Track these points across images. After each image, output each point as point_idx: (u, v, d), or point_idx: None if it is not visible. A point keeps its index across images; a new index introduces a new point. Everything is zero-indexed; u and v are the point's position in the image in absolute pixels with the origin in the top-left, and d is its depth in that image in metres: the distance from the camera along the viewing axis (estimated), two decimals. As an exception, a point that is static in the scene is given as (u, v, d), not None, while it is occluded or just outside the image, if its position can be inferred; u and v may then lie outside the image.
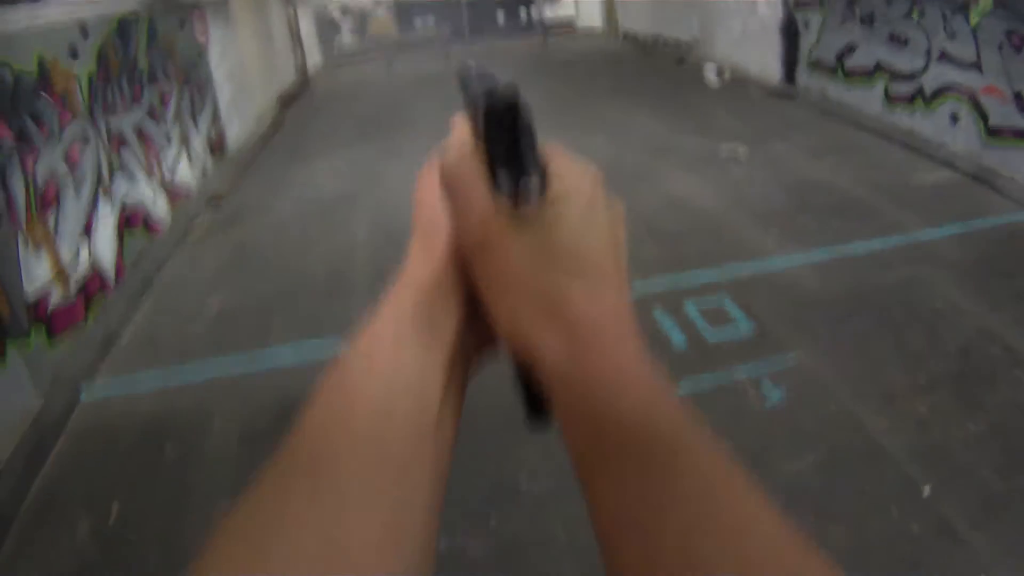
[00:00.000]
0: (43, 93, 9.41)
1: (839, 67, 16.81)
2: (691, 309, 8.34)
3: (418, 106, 22.42)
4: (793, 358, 7.36)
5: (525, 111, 0.73)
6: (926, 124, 13.83)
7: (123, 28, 12.40)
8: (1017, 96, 11.46)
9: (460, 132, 0.82)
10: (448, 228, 0.77)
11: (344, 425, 0.67)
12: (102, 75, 11.26)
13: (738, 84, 21.20)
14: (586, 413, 0.66)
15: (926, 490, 5.55)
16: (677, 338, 7.88)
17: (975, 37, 12.22)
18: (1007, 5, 11.41)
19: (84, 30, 10.94)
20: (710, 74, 22.12)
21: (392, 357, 0.72)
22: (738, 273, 9.19)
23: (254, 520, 0.62)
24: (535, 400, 0.73)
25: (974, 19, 12.16)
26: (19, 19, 9.14)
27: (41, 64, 9.51)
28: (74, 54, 10.46)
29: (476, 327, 0.77)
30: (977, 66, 12.28)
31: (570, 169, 0.77)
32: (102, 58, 11.37)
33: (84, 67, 10.74)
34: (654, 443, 0.62)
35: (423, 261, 0.78)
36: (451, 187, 0.76)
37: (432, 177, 0.82)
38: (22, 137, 8.69)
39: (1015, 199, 11.17)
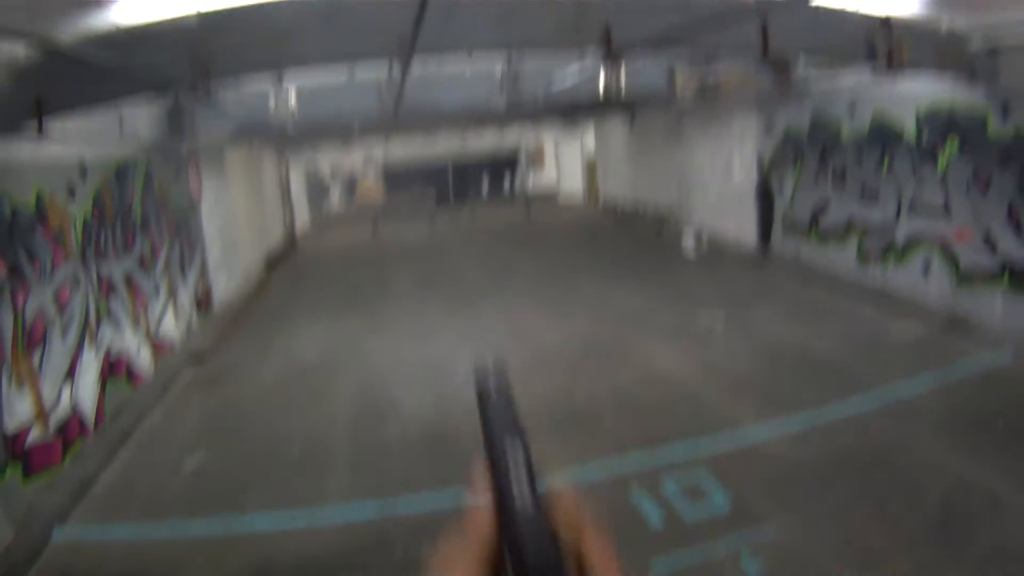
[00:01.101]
0: (39, 230, 9.37)
1: (813, 227, 17.26)
2: (668, 486, 8.15)
3: (402, 275, 22.68)
4: (772, 530, 7.21)
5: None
6: (899, 276, 14.14)
7: (121, 172, 12.68)
8: (986, 236, 11.78)
9: (481, 532, 0.80)
10: None
11: None
12: (97, 218, 11.44)
13: (715, 250, 21.65)
14: None
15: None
16: (654, 517, 7.66)
17: (943, 183, 12.64)
18: (972, 147, 11.86)
19: (83, 170, 11.18)
20: (688, 242, 22.60)
21: None
22: (715, 446, 9.05)
23: None
24: None
25: (941, 164, 12.57)
26: (22, 152, 9.31)
27: (39, 200, 9.70)
28: (72, 193, 10.65)
29: None
30: (946, 210, 12.66)
31: None
32: (98, 201, 11.59)
33: (80, 208, 10.95)
34: None
35: None
36: None
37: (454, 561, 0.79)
38: (15, 271, 8.80)
39: (988, 342, 11.31)
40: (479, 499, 0.83)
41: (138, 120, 13.13)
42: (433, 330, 15.58)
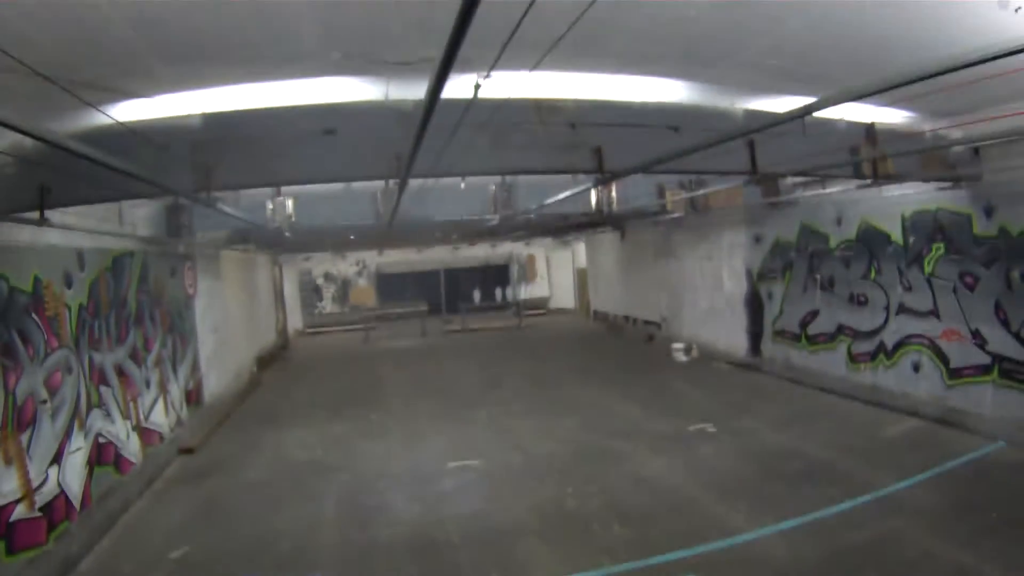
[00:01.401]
0: (34, 314, 9.63)
1: (803, 334, 17.46)
2: None
3: (393, 383, 22.63)
4: None
5: None
6: (889, 377, 14.30)
7: (118, 265, 12.87)
8: (975, 333, 11.97)
9: None
10: None
11: None
12: (92, 307, 11.58)
13: (706, 359, 21.78)
14: None
15: None
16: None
17: (930, 285, 12.91)
18: (958, 248, 12.16)
19: (81, 260, 11.36)
20: (678, 352, 22.73)
21: None
22: (708, 552, 8.95)
23: None
24: None
25: (928, 268, 12.86)
26: (23, 236, 9.51)
27: (36, 284, 9.81)
28: (68, 281, 10.80)
29: None
30: (935, 313, 12.89)
31: None
32: (94, 291, 11.73)
33: (76, 297, 11.07)
34: None
35: None
36: None
37: None
38: (8, 352, 8.87)
39: (981, 433, 11.42)
40: None
41: (137, 215, 13.43)
42: (423, 437, 15.53)
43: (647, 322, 27.90)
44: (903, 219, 13.42)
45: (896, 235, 13.63)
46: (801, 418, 14.31)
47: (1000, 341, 11.47)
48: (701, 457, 12.65)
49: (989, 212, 11.49)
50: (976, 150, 11.25)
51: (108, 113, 7.48)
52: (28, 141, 6.79)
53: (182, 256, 16.62)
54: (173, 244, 15.38)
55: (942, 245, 12.51)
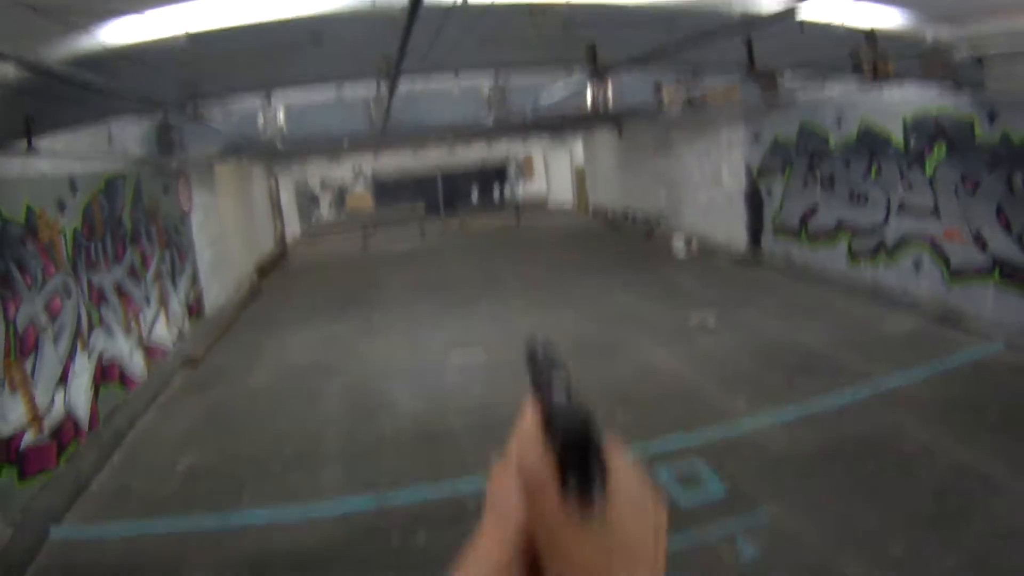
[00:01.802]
0: (29, 242, 9.58)
1: (803, 230, 17.35)
2: (662, 474, 8.20)
3: (391, 285, 22.68)
4: (766, 515, 7.29)
5: (597, 438, 0.80)
6: (890, 275, 14.26)
7: (110, 187, 12.75)
8: (976, 235, 11.90)
9: (531, 430, 0.88)
10: (520, 514, 0.86)
11: None
12: (87, 231, 11.50)
13: (706, 253, 21.76)
14: None
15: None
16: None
17: (932, 186, 12.77)
18: (960, 151, 11.99)
19: (73, 185, 11.24)
20: (678, 247, 22.68)
21: None
22: (709, 437, 9.14)
23: None
24: None
25: (929, 169, 12.70)
26: (12, 167, 9.39)
27: (29, 214, 9.72)
28: (61, 208, 10.70)
29: None
30: (936, 213, 12.78)
31: (627, 482, 0.85)
32: (88, 215, 11.64)
33: (70, 222, 10.98)
34: None
35: (495, 543, 0.87)
36: (526, 484, 0.84)
37: (508, 468, 0.89)
38: (5, 283, 8.83)
39: (981, 334, 11.45)
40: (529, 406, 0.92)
41: (127, 136, 13.25)
42: (425, 333, 15.72)
43: (646, 218, 27.78)
44: (904, 121, 13.20)
45: (897, 137, 13.43)
46: (801, 311, 14.40)
47: (1001, 244, 11.39)
48: (702, 347, 12.81)
49: (992, 118, 11.29)
50: (979, 59, 11.06)
51: (91, 36, 7.36)
52: (11, 72, 6.68)
53: (175, 173, 16.47)
54: (165, 162, 15.22)
55: (943, 148, 12.31)
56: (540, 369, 0.94)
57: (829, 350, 11.91)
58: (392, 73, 8.56)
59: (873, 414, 9.32)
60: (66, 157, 10.65)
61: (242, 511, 8.37)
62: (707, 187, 22.39)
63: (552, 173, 41.98)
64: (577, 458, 0.79)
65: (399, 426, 10.54)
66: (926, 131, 12.72)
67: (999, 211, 11.37)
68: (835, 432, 8.95)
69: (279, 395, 12.49)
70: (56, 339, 9.90)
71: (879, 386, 10.14)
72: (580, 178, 37.68)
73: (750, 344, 12.74)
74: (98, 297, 11.54)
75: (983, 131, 11.49)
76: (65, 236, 10.72)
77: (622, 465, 0.85)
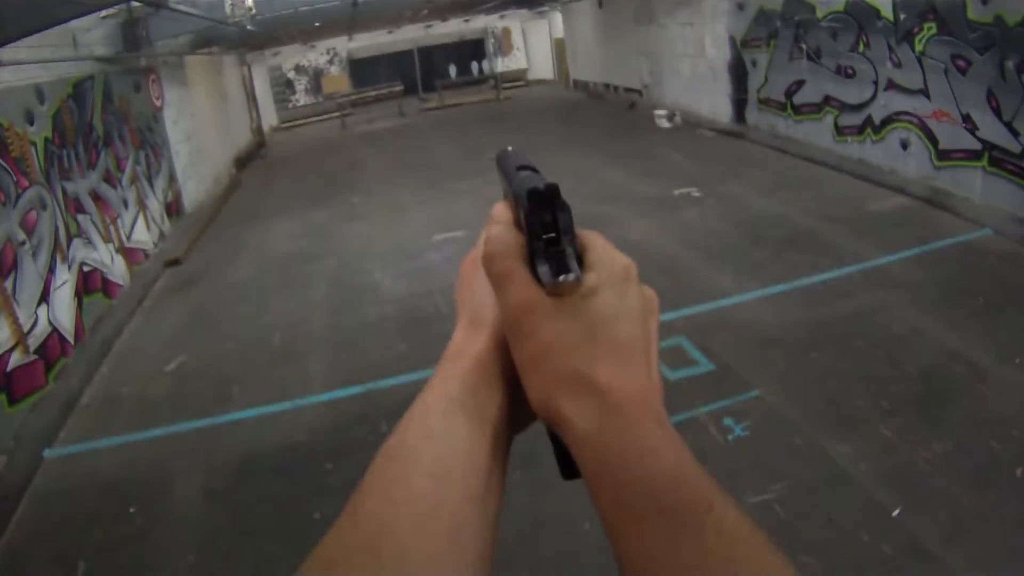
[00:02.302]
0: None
1: (788, 103, 17.09)
2: None
3: (373, 165, 22.58)
4: (754, 394, 7.32)
5: (564, 208, 0.77)
6: (876, 152, 14.08)
7: (78, 92, 12.40)
8: (966, 118, 11.68)
9: (501, 219, 0.85)
10: (493, 310, 0.83)
11: (403, 490, 0.71)
12: (58, 140, 11.24)
13: (689, 126, 21.51)
14: (615, 481, 0.70)
15: (896, 513, 5.56)
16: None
17: (921, 64, 12.47)
18: (951, 31, 11.67)
19: (40, 94, 10.93)
20: (661, 119, 22.41)
21: (444, 426, 0.76)
22: (696, 314, 9.14)
23: None
24: (568, 460, 0.77)
25: (919, 46, 12.41)
26: None
27: None
28: (30, 119, 10.43)
29: (520, 400, 0.80)
30: (924, 92, 12.52)
31: (606, 259, 0.80)
32: (58, 123, 11.36)
33: (40, 132, 10.71)
34: (682, 507, 0.66)
35: (470, 340, 0.84)
36: (493, 273, 0.80)
37: (476, 262, 0.86)
38: None
39: (969, 218, 11.32)
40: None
41: (93, 37, 12.89)
42: (407, 214, 15.76)
43: (628, 90, 27.45)
44: None
45: (886, 10, 13.01)
46: (787, 186, 14.27)
47: (992, 128, 11.14)
48: (687, 221, 12.78)
49: None
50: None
51: None
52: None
53: (145, 70, 16.07)
54: (134, 59, 14.88)
55: (934, 25, 11.91)
56: (508, 167, 0.91)
57: (816, 226, 11.85)
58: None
59: (861, 293, 9.30)
60: (30, 65, 10.38)
61: (231, 409, 8.46)
62: (690, 59, 21.94)
63: (531, 46, 41.42)
64: (545, 222, 0.77)
65: (384, 311, 10.62)
66: (916, 6, 12.33)
67: (990, 94, 11.09)
68: (823, 310, 8.96)
69: (263, 287, 12.50)
70: (35, 254, 9.76)
71: (867, 265, 10.10)
72: (560, 50, 37.14)
73: (735, 218, 12.69)
74: (74, 206, 11.36)
75: (975, 10, 11.11)
76: (36, 147, 10.46)
77: (602, 246, 0.83)
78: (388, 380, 8.49)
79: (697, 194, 14.28)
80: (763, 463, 6.28)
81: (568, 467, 0.77)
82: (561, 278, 0.74)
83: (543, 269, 0.76)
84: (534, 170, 0.87)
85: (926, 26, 12.18)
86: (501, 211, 0.87)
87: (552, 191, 0.77)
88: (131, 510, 6.86)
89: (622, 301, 0.78)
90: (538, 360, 0.75)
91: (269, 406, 8.39)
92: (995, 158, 11.24)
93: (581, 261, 0.78)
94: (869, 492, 5.80)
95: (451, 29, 37.56)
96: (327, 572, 0.66)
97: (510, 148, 0.96)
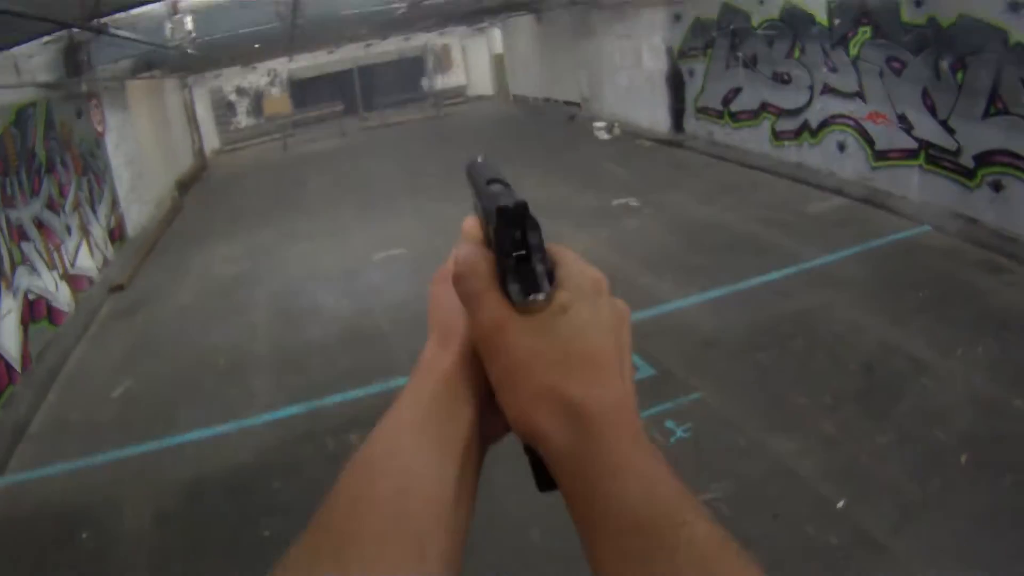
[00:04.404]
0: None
1: (725, 111, 17.39)
2: None
3: (315, 185, 22.58)
4: (696, 397, 7.42)
5: (535, 225, 0.77)
6: (814, 155, 14.37)
7: (20, 118, 12.25)
8: (901, 118, 11.96)
9: (471, 235, 0.86)
10: (463, 326, 0.82)
11: (368, 503, 0.72)
12: (1, 167, 11.13)
13: (628, 137, 21.76)
14: (591, 496, 0.71)
15: (841, 504, 5.66)
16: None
17: (856, 68, 12.76)
18: (885, 33, 11.95)
19: (-19, 120, 10.84)
20: (600, 130, 22.66)
21: (412, 440, 0.77)
22: (636, 320, 9.10)
23: None
24: (544, 472, 0.77)
25: (853, 50, 12.68)
26: None
27: None
28: (-28, 146, 10.36)
29: (491, 413, 0.81)
30: (860, 95, 12.81)
31: (575, 274, 0.80)
32: (0, 149, 11.27)
33: (-18, 159, 10.60)
34: (656, 523, 0.67)
35: (439, 355, 0.84)
36: (464, 290, 0.80)
37: (446, 278, 0.84)
38: None
39: (907, 215, 11.59)
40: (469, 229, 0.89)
41: (35, 63, 12.83)
42: (349, 233, 15.80)
43: (567, 103, 27.62)
44: (828, 1, 13.09)
45: (820, 15, 13.33)
46: (725, 192, 14.50)
47: (927, 127, 11.43)
48: (626, 230, 12.96)
49: (919, 0, 11.21)
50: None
51: None
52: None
53: (86, 95, 15.97)
54: (75, 84, 14.79)
55: (868, 29, 12.24)
56: (478, 180, 0.90)
57: (755, 230, 12.06)
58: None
59: (801, 294, 9.50)
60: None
61: (178, 432, 8.43)
62: (628, 70, 22.17)
63: (471, 63, 41.47)
64: (515, 239, 0.77)
65: (327, 330, 10.67)
66: (850, 11, 12.63)
67: (925, 94, 11.38)
68: (764, 312, 9.11)
69: (207, 311, 12.46)
70: (-21, 284, 9.68)
71: (806, 266, 10.31)
72: (499, 67, 37.27)
73: (674, 226, 12.88)
74: (18, 233, 11.24)
75: (909, 13, 11.41)
76: (-22, 175, 10.39)
77: (572, 261, 0.82)
78: (333, 398, 8.53)
79: (636, 204, 14.46)
80: (706, 463, 6.37)
81: (544, 479, 0.78)
82: (531, 297, 0.75)
83: (514, 288, 0.75)
84: (504, 184, 0.87)
85: (860, 30, 12.47)
86: (471, 227, 0.88)
87: (521, 209, 0.76)
88: (83, 536, 6.81)
89: (594, 315, 0.78)
90: (512, 377, 0.75)
91: (216, 427, 8.38)
92: (932, 156, 11.52)
93: (552, 277, 0.78)
94: (814, 486, 5.92)
95: (391, 47, 37.53)
96: None
97: (479, 159, 0.96)
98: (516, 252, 0.76)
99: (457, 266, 0.82)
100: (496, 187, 0.86)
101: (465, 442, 0.80)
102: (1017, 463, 5.85)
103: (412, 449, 0.77)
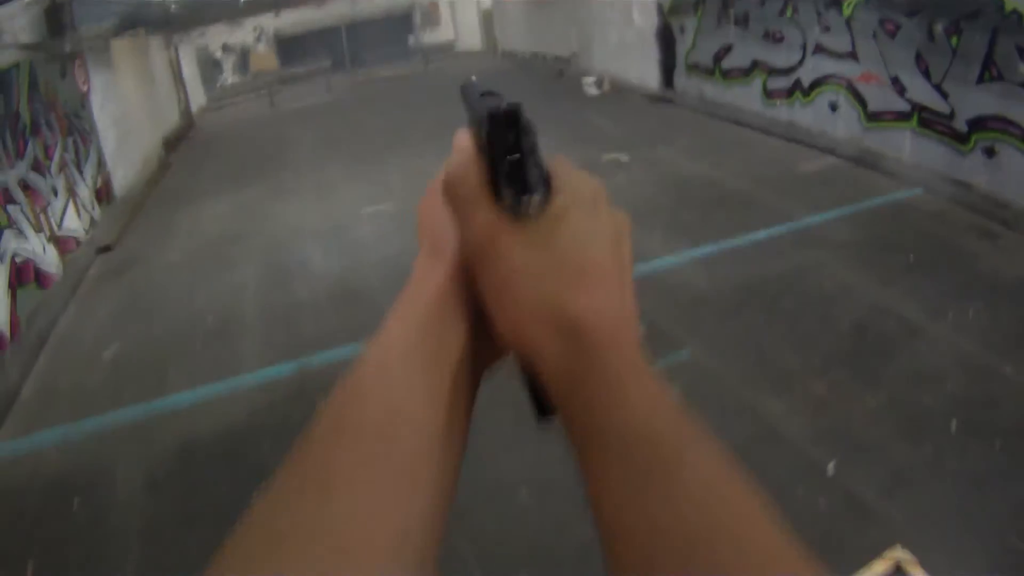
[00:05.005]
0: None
1: (716, 68, 17.28)
2: None
3: (302, 141, 22.44)
4: (686, 355, 7.43)
5: (528, 128, 0.73)
6: (806, 115, 14.30)
7: (3, 80, 12.09)
8: (895, 80, 11.89)
9: (463, 146, 0.81)
10: (454, 241, 0.78)
11: (355, 427, 0.69)
12: None
13: (618, 93, 21.69)
14: (588, 417, 0.68)
15: (830, 468, 5.69)
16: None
17: (849, 28, 12.67)
18: None
19: (-36, 84, 10.73)
20: (589, 86, 22.54)
21: (401, 364, 0.73)
22: None
23: (267, 527, 0.63)
24: (542, 400, 0.74)
25: (847, 10, 12.58)
26: None
27: None
28: (-45, 109, 10.26)
29: (484, 336, 0.77)
30: (853, 55, 12.73)
31: (573, 182, 0.77)
32: None
33: (-34, 122, 10.50)
34: (657, 446, 0.65)
35: (430, 274, 0.79)
36: (455, 200, 0.76)
37: (436, 192, 0.81)
38: None
39: (899, 177, 11.57)
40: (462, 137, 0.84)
41: (16, 25, 12.69)
42: (336, 189, 15.80)
43: (557, 58, 27.47)
44: None
45: None
46: (715, 149, 14.47)
47: (920, 90, 11.37)
48: (616, 186, 12.64)
49: None
50: None
51: None
52: None
53: (70, 55, 15.80)
54: (59, 44, 14.66)
55: None
56: (471, 95, 0.88)
57: (745, 187, 12.04)
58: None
59: (791, 253, 9.49)
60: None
61: (168, 395, 8.41)
62: (618, 26, 22.02)
63: (459, 17, 41.23)
64: (508, 144, 0.73)
65: (315, 287, 10.67)
66: None
67: (918, 57, 11.31)
68: (754, 271, 9.11)
69: (195, 270, 12.41)
70: (-34, 248, 9.62)
71: (797, 225, 10.29)
72: (488, 21, 37.04)
73: (664, 182, 12.86)
74: (3, 196, 11.16)
75: None
76: (-38, 138, 10.30)
77: (569, 169, 0.79)
78: (322, 354, 8.51)
79: (625, 159, 14.44)
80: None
81: (541, 406, 0.75)
82: (525, 198, 0.71)
83: (507, 192, 0.72)
84: (498, 96, 0.84)
85: None
86: (462, 138, 0.83)
87: (514, 111, 0.73)
88: (76, 506, 6.83)
89: (592, 224, 0.75)
90: (505, 289, 0.72)
91: (205, 388, 8.38)
92: (924, 119, 11.46)
93: (549, 185, 0.74)
94: (803, 449, 5.96)
95: (379, 2, 37.28)
96: (278, 510, 0.64)
97: (474, 78, 0.93)
98: (509, 156, 0.73)
99: (447, 172, 0.79)
100: (490, 99, 0.82)
101: (457, 365, 0.76)
102: (1007, 428, 5.88)
103: (400, 374, 0.73)
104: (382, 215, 13.07)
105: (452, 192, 0.77)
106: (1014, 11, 9.54)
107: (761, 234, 10.05)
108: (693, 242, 10.06)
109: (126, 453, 7.50)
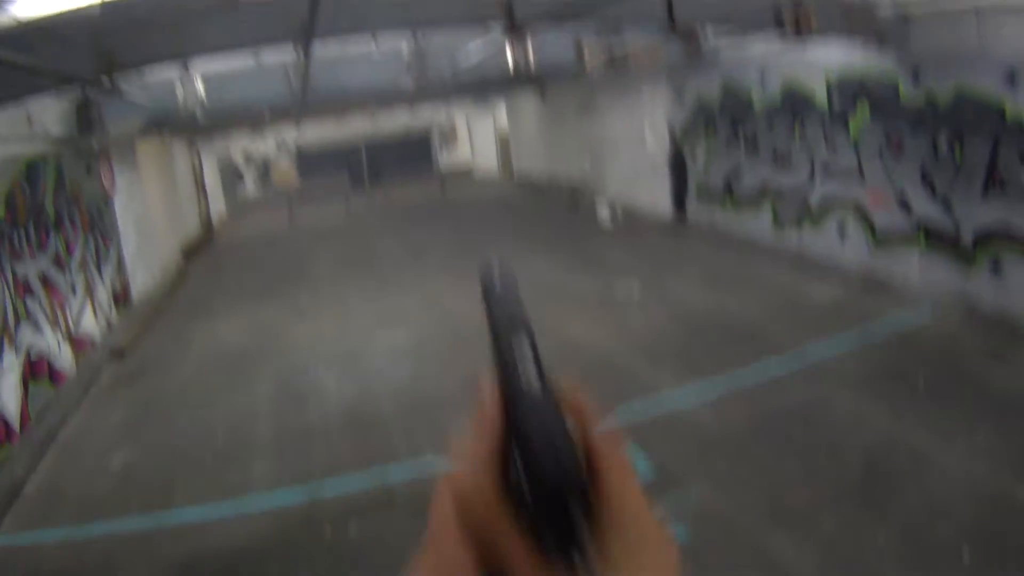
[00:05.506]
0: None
1: (727, 193, 17.52)
2: None
3: (319, 261, 22.63)
4: (695, 495, 7.28)
5: (578, 510, 0.64)
6: (815, 240, 14.40)
7: (32, 171, 12.33)
8: (901, 199, 12.03)
9: (465, 451, 0.70)
10: (462, 561, 0.64)
11: None
12: (9, 219, 11.15)
13: (631, 220, 21.95)
14: None
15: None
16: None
17: (855, 147, 12.87)
18: (884, 113, 12.05)
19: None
20: (603, 213, 22.81)
21: None
22: (635, 413, 9.06)
23: None
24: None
25: (853, 130, 12.80)
26: None
27: None
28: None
29: None
30: (860, 174, 12.89)
31: (633, 513, 0.69)
32: (10, 202, 11.29)
33: (-7, 211, 10.50)
34: None
35: None
36: (476, 530, 0.65)
37: (447, 506, 0.67)
38: None
39: (907, 300, 11.63)
40: (486, 394, 0.75)
41: (47, 117, 12.85)
42: (352, 313, 15.75)
43: (571, 185, 27.73)
44: (828, 80, 13.26)
45: (820, 96, 13.52)
46: (726, 279, 14.59)
47: (926, 207, 11.50)
48: (627, 321, 12.90)
49: (916, 77, 11.33)
50: (904, 15, 11.01)
51: (3, 11, 7.05)
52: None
53: (97, 153, 15.97)
54: (86, 142, 14.76)
55: (867, 108, 12.41)
56: (496, 314, 0.81)
57: (755, 320, 12.03)
58: (307, 36, 8.47)
59: (801, 386, 9.41)
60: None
61: (175, 509, 8.27)
62: (631, 150, 22.50)
63: (476, 140, 41.93)
64: (554, 511, 0.63)
65: (328, 413, 10.54)
66: (849, 91, 12.81)
67: (924, 174, 11.47)
68: (763, 405, 9.00)
69: (209, 385, 12.32)
70: (-19, 336, 9.50)
71: (807, 356, 10.24)
72: (504, 144, 37.57)
73: (675, 314, 12.85)
74: (23, 288, 11.17)
75: (907, 91, 11.55)
76: (-12, 226, 10.27)
77: (635, 504, 0.69)
78: (332, 481, 8.41)
79: (638, 291, 14.50)
80: (705, 566, 6.12)
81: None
82: (575, 556, 0.63)
83: (548, 534, 0.63)
84: (528, 328, 0.79)
85: (859, 109, 12.62)
86: (487, 414, 0.72)
87: (563, 491, 0.63)
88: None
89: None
90: None
91: (213, 506, 8.26)
92: (931, 236, 11.57)
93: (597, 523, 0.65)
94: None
95: (398, 123, 37.84)
96: None
97: (495, 270, 0.86)
98: (558, 519, 0.64)
99: (458, 478, 0.68)
100: (522, 349, 0.77)
101: None
102: (1021, 547, 5.86)
103: None
104: (397, 345, 13.01)
105: (469, 515, 0.66)
106: (1016, 119, 9.72)
107: (771, 368, 9.98)
108: (704, 378, 9.96)
109: (129, 563, 7.38)
